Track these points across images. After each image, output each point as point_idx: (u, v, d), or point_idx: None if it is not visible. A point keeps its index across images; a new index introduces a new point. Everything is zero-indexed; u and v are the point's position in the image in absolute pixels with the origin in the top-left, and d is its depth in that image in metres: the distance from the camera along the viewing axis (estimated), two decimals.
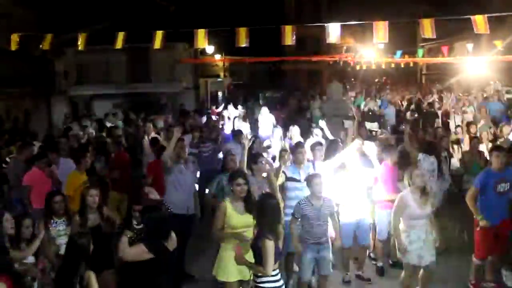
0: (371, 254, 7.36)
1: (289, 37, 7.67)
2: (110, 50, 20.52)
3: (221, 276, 5.20)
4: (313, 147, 7.17)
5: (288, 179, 6.51)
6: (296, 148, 6.81)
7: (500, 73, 24.24)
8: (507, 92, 19.97)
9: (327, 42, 8.00)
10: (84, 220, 5.51)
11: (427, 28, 7.07)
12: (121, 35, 9.11)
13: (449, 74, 29.04)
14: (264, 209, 4.64)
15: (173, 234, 4.71)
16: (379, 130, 12.75)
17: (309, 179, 5.84)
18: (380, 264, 7.12)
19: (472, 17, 6.99)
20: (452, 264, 6.91)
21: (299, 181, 6.41)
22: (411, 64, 27.57)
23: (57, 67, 21.71)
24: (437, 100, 18.33)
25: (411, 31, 29.79)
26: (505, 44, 18.37)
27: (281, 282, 4.62)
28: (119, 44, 8.94)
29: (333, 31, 7.56)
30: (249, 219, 5.17)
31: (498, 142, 9.51)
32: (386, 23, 7.09)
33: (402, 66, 25.52)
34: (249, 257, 4.74)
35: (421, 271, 5.89)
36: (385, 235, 6.95)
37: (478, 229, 6.19)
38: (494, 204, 6.14)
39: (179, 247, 5.00)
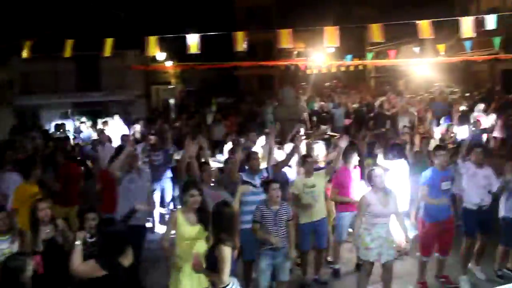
0: (328, 258, 7.43)
1: (241, 43, 7.71)
2: (58, 58, 20.13)
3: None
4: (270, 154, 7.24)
5: (244, 182, 6.51)
6: (251, 155, 6.80)
7: (444, 75, 25.25)
8: (451, 93, 20.83)
9: (278, 47, 8.08)
10: (35, 235, 5.25)
11: (376, 32, 7.27)
12: (69, 43, 8.92)
13: (397, 76, 30.01)
14: (221, 216, 4.60)
15: (129, 249, 4.55)
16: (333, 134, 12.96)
17: (267, 184, 5.86)
18: (337, 266, 7.20)
19: (417, 22, 7.25)
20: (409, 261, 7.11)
21: (255, 186, 6.43)
22: (360, 68, 28.23)
23: (1, 75, 20.90)
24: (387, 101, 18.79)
25: (359, 36, 30.59)
26: (447, 47, 19.15)
27: None
28: (67, 53, 8.75)
29: (285, 36, 7.63)
30: (200, 230, 5.13)
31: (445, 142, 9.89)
32: (337, 28, 7.25)
33: (352, 69, 26.08)
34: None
35: (381, 270, 6.01)
36: (344, 236, 7.05)
37: (422, 232, 6.43)
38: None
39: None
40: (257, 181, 6.48)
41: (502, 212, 6.63)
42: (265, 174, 6.67)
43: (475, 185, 6.61)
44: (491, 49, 21.62)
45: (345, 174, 7.00)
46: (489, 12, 23.46)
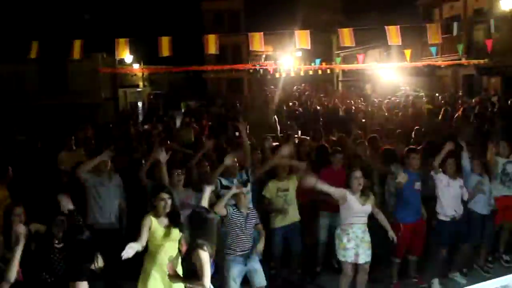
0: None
1: (212, 46, 7.70)
2: (22, 61, 19.72)
3: None
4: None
5: (222, 187, 6.49)
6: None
7: (409, 79, 25.85)
8: (416, 97, 21.30)
9: (250, 50, 8.12)
10: (9, 240, 5.09)
11: (346, 36, 7.39)
12: (35, 45, 8.73)
13: (364, 80, 30.54)
14: (203, 222, 4.47)
15: (97, 256, 4.45)
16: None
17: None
18: (317, 269, 7.22)
19: (386, 27, 7.41)
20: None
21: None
22: (328, 71, 28.60)
23: None
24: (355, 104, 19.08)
25: (327, 40, 31.03)
26: (412, 52, 19.66)
27: None
28: (33, 54, 8.55)
29: (256, 39, 7.67)
30: (174, 233, 5.10)
31: None
32: (308, 32, 7.34)
33: (320, 73, 26.39)
34: (179, 271, 4.65)
35: (358, 271, 6.07)
36: (324, 237, 7.10)
37: (399, 234, 6.39)
38: (413, 201, 6.54)
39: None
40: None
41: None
42: (245, 177, 6.65)
43: (449, 196, 6.66)
44: (454, 55, 22.32)
45: (330, 175, 6.87)
46: (452, 19, 24.27)
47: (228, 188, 6.39)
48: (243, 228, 5.70)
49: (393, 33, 7.44)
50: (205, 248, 4.28)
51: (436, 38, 7.85)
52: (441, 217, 6.69)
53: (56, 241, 5.11)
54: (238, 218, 5.70)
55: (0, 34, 16.81)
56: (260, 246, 5.87)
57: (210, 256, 4.45)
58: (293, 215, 6.74)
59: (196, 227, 4.46)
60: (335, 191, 5.94)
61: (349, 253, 5.91)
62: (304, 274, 7.12)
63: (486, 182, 6.94)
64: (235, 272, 5.68)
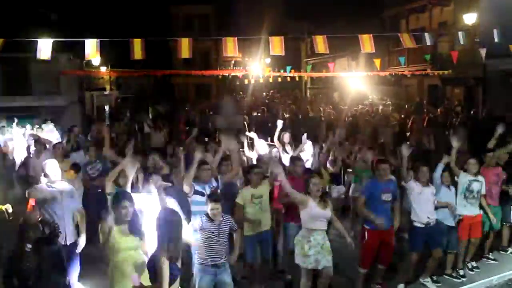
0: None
1: (186, 50, 7.59)
2: None
3: None
4: (220, 163, 7.20)
5: (195, 192, 6.39)
6: (200, 165, 6.66)
7: (376, 88, 26.28)
8: (385, 105, 21.66)
9: (224, 55, 8.04)
10: None
11: (320, 43, 7.42)
12: None
13: (332, 88, 30.89)
14: (166, 225, 4.47)
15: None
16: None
17: (209, 197, 5.81)
18: (288, 277, 7.11)
19: (360, 36, 7.48)
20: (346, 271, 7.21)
21: (204, 195, 6.32)
22: (297, 79, 28.79)
23: None
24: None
25: (296, 48, 31.26)
26: (380, 62, 19.99)
27: None
28: None
29: (230, 44, 7.61)
30: (136, 241, 4.99)
31: None
32: (282, 38, 7.34)
33: (289, 80, 26.53)
34: (145, 278, 4.55)
35: (319, 276, 6.07)
36: (291, 245, 7.02)
37: (364, 241, 6.54)
38: (380, 212, 6.53)
39: None
40: (208, 191, 6.39)
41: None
42: (215, 184, 6.59)
43: (423, 203, 6.77)
44: (420, 65, 22.86)
45: (294, 183, 6.90)
46: (418, 31, 24.90)
47: (200, 194, 6.33)
48: (216, 237, 5.60)
49: (366, 42, 7.53)
50: (167, 256, 4.29)
51: (411, 44, 8.02)
52: (416, 224, 6.79)
53: (29, 246, 4.93)
54: (210, 227, 5.60)
55: None
56: (234, 256, 5.87)
57: (175, 259, 4.38)
58: (266, 223, 6.69)
59: (162, 229, 4.46)
60: (297, 195, 6.04)
61: (310, 260, 5.94)
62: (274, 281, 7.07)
63: (452, 195, 7.13)
64: (204, 283, 5.58)
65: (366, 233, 6.56)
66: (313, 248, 5.92)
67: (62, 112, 21.38)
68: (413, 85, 26.22)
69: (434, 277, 7.11)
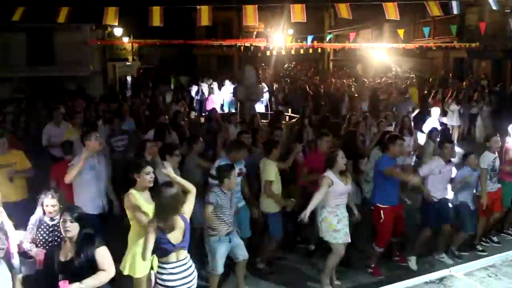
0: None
1: (205, 18, 7.52)
2: (7, 29, 19.27)
3: (128, 271, 4.96)
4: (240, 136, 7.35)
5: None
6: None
7: (400, 61, 25.79)
8: (408, 78, 21.29)
9: (244, 24, 7.95)
10: None
11: (343, 10, 7.28)
12: (20, 9, 8.46)
13: (355, 60, 30.41)
14: (160, 197, 4.43)
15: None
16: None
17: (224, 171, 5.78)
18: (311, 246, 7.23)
19: (384, 3, 7.30)
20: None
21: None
22: (319, 50, 28.39)
23: None
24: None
25: (319, 19, 30.73)
26: (404, 33, 19.49)
27: (181, 275, 4.44)
28: (16, 17, 8.25)
29: (250, 13, 7.51)
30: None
31: None
32: (303, 5, 7.21)
33: (311, 51, 26.19)
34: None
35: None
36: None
37: (381, 221, 6.38)
38: (394, 186, 6.48)
39: None
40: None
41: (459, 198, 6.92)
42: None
43: (442, 179, 6.72)
44: (446, 37, 22.27)
45: (318, 159, 6.79)
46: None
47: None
48: (228, 207, 5.66)
49: (391, 9, 7.33)
50: (159, 226, 4.39)
51: (438, 12, 7.79)
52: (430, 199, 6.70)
53: (49, 219, 5.03)
54: (223, 200, 5.62)
55: None
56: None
57: (169, 230, 4.41)
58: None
59: (158, 200, 4.50)
60: (324, 181, 5.88)
61: (340, 234, 5.92)
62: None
63: (474, 178, 7.02)
64: (222, 251, 5.65)
65: (382, 212, 6.37)
66: (341, 222, 5.93)
67: (85, 82, 21.58)
68: (439, 58, 25.61)
69: (456, 252, 7.08)
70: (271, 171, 6.40)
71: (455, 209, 6.98)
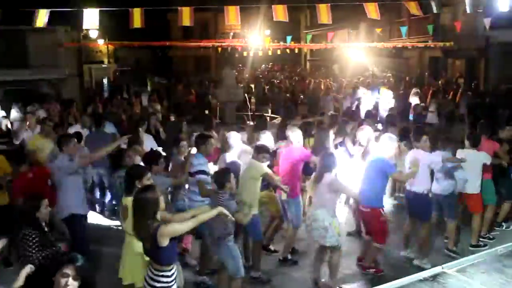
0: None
1: (186, 19, 7.46)
2: None
3: (131, 279, 4.92)
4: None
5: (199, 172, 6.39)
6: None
7: (376, 60, 26.04)
8: (386, 77, 21.53)
9: (226, 23, 7.94)
10: None
11: (323, 13, 7.29)
12: None
13: (331, 60, 30.62)
14: (143, 203, 4.24)
15: None
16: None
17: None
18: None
19: (364, 4, 7.36)
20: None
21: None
22: (296, 51, 28.51)
23: None
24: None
25: (295, 19, 30.85)
26: (380, 33, 19.77)
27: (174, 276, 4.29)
28: None
29: (233, 13, 7.49)
30: None
31: None
32: (285, 5, 7.21)
33: (288, 52, 26.26)
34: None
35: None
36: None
37: (381, 219, 6.33)
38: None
39: None
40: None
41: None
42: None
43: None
44: (422, 36, 22.58)
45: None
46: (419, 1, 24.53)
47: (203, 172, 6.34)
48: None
49: (372, 8, 7.39)
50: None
51: (417, 12, 7.89)
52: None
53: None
54: (230, 202, 5.57)
55: None
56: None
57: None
58: None
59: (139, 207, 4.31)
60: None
61: (342, 238, 6.04)
62: None
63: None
64: (238, 250, 5.67)
65: (381, 211, 6.34)
66: (339, 226, 6.01)
67: (61, 86, 21.22)
68: (414, 57, 25.96)
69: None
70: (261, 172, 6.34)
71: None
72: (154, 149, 7.16)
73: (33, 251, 4.48)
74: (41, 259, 4.44)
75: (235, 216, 5.40)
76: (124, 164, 6.61)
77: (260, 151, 6.38)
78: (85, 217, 6.34)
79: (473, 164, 6.98)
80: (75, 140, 6.47)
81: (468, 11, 9.55)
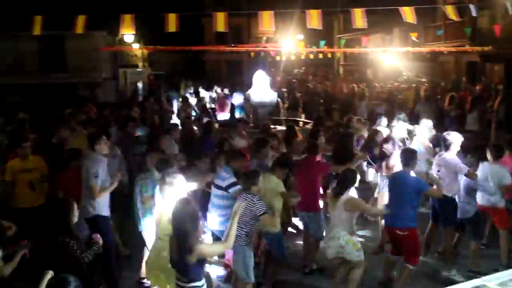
0: None
1: (221, 24, 7.52)
2: (20, 37, 19.42)
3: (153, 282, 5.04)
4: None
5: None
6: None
7: (411, 65, 25.64)
8: (419, 83, 21.15)
9: (260, 29, 7.97)
10: None
11: (358, 18, 7.23)
12: (38, 20, 8.50)
13: (365, 65, 30.29)
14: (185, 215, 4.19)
15: None
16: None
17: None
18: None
19: (400, 8, 7.27)
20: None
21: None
22: (329, 56, 28.30)
23: None
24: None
25: (329, 24, 30.65)
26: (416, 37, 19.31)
27: None
28: (37, 30, 8.31)
29: (266, 19, 7.50)
30: None
31: None
32: (319, 11, 7.18)
33: (321, 57, 26.09)
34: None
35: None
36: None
37: (416, 238, 6.11)
38: None
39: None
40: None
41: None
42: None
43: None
44: (458, 41, 22.10)
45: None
46: (456, 3, 23.95)
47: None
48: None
49: (408, 12, 7.29)
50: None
51: (454, 16, 7.73)
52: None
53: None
54: (255, 203, 5.54)
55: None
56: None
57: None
58: None
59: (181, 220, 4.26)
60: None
61: (361, 251, 5.92)
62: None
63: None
64: (252, 257, 5.64)
65: (416, 231, 6.12)
66: (357, 242, 5.96)
67: (97, 89, 21.74)
68: (450, 62, 25.39)
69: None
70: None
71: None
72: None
73: (78, 254, 4.54)
74: (86, 261, 4.57)
75: (261, 218, 5.42)
76: (146, 168, 6.64)
77: (281, 166, 6.27)
78: (108, 218, 6.40)
79: (494, 178, 6.66)
80: (105, 138, 6.56)
81: (510, 12, 9.22)
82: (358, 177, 6.06)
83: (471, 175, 6.52)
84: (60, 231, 4.60)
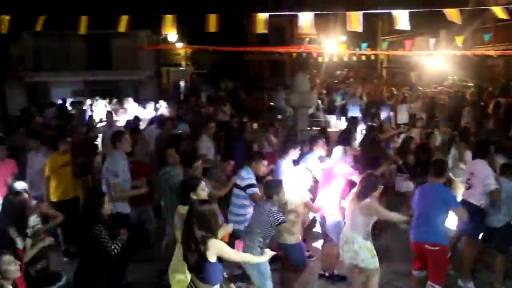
0: None
1: (261, 25, 7.52)
2: (69, 36, 20.08)
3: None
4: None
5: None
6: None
7: (457, 68, 24.94)
8: (465, 87, 20.55)
9: (299, 31, 7.90)
10: None
11: (402, 19, 7.09)
12: (84, 20, 8.73)
13: (409, 68, 29.68)
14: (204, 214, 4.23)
15: None
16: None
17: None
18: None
19: (445, 10, 7.08)
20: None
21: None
22: (372, 58, 27.91)
23: (12, 51, 20.80)
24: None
25: (372, 25, 30.24)
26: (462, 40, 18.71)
27: None
28: (83, 29, 8.53)
29: (306, 20, 7.45)
30: None
31: None
32: (361, 13, 7.08)
33: (364, 59, 25.75)
34: None
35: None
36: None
37: (445, 258, 5.81)
38: None
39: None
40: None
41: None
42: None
43: None
44: (508, 44, 21.33)
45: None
46: (508, 4, 23.06)
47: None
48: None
49: (453, 12, 7.07)
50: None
51: (502, 15, 7.44)
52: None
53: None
54: (273, 213, 5.47)
55: (49, 8, 17.01)
56: None
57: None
58: None
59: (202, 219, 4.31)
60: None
61: (376, 259, 5.65)
62: None
63: None
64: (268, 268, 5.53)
65: (447, 248, 5.86)
66: (373, 248, 5.70)
67: (140, 86, 22.21)
68: (499, 66, 24.52)
69: None
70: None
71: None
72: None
73: (108, 244, 4.90)
74: (115, 252, 4.91)
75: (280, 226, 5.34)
76: (169, 162, 6.76)
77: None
78: (128, 216, 6.43)
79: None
80: (127, 136, 6.62)
81: None
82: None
83: (494, 194, 6.17)
84: (93, 221, 4.92)
